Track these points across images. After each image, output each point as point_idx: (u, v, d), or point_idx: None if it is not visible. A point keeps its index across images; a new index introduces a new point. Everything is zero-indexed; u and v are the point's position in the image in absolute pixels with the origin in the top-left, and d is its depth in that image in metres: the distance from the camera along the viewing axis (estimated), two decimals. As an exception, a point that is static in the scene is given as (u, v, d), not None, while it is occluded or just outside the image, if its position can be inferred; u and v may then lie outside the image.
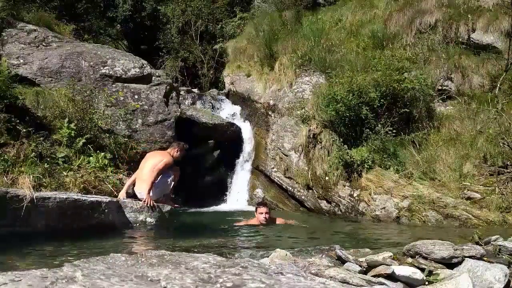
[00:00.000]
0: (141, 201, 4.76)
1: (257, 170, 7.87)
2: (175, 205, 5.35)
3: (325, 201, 6.67)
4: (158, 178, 4.96)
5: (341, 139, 6.75)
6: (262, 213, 5.17)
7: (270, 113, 8.17)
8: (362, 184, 6.20)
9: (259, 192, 7.69)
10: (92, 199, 4.33)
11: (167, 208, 5.04)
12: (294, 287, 1.33)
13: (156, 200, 4.92)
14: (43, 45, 6.99)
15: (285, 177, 7.32)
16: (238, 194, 7.81)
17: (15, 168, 4.46)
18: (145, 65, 7.32)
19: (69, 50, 7.03)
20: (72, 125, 5.56)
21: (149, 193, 4.77)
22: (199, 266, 1.47)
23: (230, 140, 8.08)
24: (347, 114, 6.53)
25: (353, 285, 1.93)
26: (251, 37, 9.89)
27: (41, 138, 5.09)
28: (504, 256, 2.69)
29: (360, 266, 2.27)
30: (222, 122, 8.03)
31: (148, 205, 4.72)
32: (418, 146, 6.38)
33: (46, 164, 4.79)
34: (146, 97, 6.92)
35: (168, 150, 5.29)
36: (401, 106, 6.70)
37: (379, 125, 6.39)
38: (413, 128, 6.70)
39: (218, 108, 8.83)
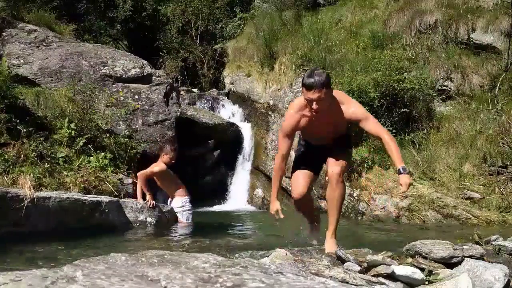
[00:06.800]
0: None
1: (257, 170, 7.87)
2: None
3: (325, 201, 6.67)
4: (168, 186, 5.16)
5: (341, 139, 6.75)
6: (311, 99, 2.76)
7: (270, 113, 8.17)
8: (362, 184, 6.20)
9: (259, 192, 7.71)
10: (92, 199, 4.33)
11: (167, 208, 5.06)
12: (294, 287, 1.33)
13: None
14: (44, 45, 6.98)
15: (285, 177, 7.31)
16: (238, 194, 7.82)
17: (15, 168, 4.45)
18: (145, 65, 7.32)
19: (69, 50, 7.03)
20: (72, 125, 5.56)
21: (141, 196, 4.87)
22: (199, 265, 1.47)
23: (230, 140, 8.08)
24: (347, 114, 6.53)
25: (353, 284, 1.94)
26: (251, 37, 9.89)
27: (42, 138, 5.08)
28: (504, 256, 2.69)
29: (360, 265, 2.28)
30: (222, 122, 8.04)
31: (150, 205, 4.77)
32: (418, 146, 6.38)
33: (46, 164, 4.79)
34: (146, 97, 6.92)
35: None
36: (401, 106, 6.70)
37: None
38: (413, 128, 6.71)
39: (218, 108, 8.83)
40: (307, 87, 2.74)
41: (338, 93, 3.02)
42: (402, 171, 2.81)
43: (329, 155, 3.12)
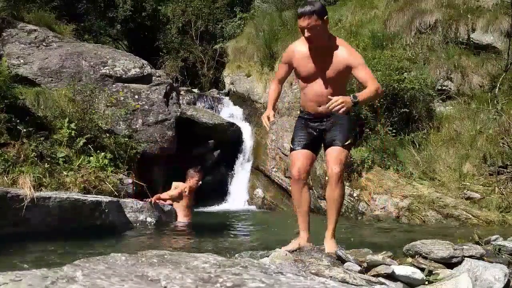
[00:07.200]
0: None
1: (257, 170, 7.87)
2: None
3: (325, 201, 6.67)
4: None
5: (341, 139, 6.75)
6: (302, 27, 2.76)
7: (270, 113, 8.17)
8: (362, 184, 6.20)
9: (259, 192, 7.70)
10: (92, 199, 4.34)
11: (167, 208, 5.06)
12: (294, 287, 1.33)
13: None
14: (44, 45, 6.98)
15: (285, 177, 7.32)
16: (238, 194, 7.82)
17: (15, 168, 4.45)
18: (145, 65, 7.32)
19: (69, 50, 7.03)
20: (72, 125, 5.56)
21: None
22: (199, 265, 1.47)
23: (230, 140, 8.08)
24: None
25: (353, 284, 1.94)
26: (251, 37, 9.90)
27: (42, 138, 5.08)
28: (504, 256, 2.69)
29: (360, 266, 2.28)
30: (222, 122, 8.04)
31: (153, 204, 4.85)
32: (418, 146, 6.38)
33: (46, 164, 4.79)
34: (146, 97, 6.92)
35: None
36: (401, 106, 6.70)
37: (379, 125, 6.39)
38: (413, 128, 6.71)
39: (218, 108, 8.84)
40: (298, 15, 2.77)
41: (340, 39, 2.99)
42: (351, 97, 2.67)
43: (329, 141, 2.96)
